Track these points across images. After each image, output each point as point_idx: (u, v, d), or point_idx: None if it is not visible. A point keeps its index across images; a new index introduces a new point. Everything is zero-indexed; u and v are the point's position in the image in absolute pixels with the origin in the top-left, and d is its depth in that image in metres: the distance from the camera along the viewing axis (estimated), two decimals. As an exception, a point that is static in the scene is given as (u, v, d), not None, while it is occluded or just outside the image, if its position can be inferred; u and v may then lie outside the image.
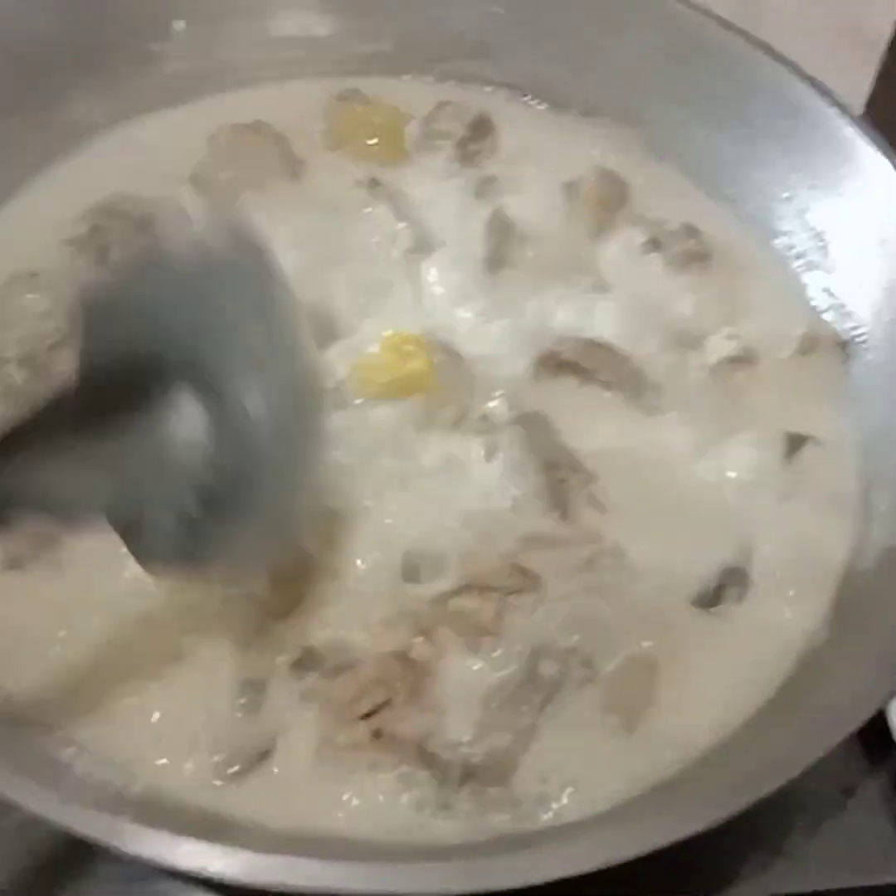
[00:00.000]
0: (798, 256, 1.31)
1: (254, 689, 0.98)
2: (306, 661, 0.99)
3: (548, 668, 0.99)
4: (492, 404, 1.13)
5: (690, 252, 1.29)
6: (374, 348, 1.16)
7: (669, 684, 1.02)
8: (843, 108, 1.25)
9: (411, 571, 1.04)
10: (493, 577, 1.03)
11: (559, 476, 1.10)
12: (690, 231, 1.30)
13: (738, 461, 1.15)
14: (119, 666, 0.99)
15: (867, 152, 1.22)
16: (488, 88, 1.45)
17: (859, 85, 1.63)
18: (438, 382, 1.14)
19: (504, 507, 1.09)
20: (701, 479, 1.14)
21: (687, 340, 1.23)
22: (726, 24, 1.33)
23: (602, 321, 1.23)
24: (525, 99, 1.45)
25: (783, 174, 1.31)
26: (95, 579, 1.03)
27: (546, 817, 0.95)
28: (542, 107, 1.44)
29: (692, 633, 1.05)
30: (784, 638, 1.06)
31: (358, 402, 1.13)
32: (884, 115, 1.44)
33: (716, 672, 1.03)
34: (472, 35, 1.43)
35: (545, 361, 1.19)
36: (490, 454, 1.11)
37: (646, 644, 1.03)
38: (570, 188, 1.34)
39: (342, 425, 1.11)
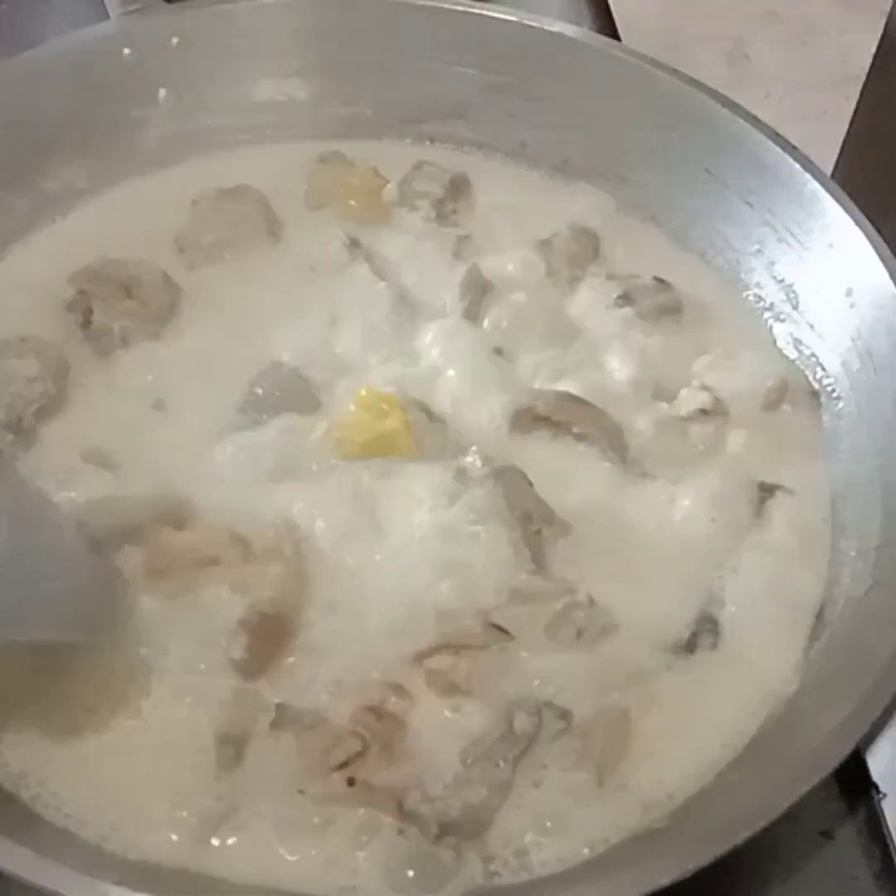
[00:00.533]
0: (768, 308, 1.33)
1: (232, 746, 1.00)
2: (282, 720, 1.00)
3: (522, 723, 1.00)
4: (467, 459, 1.15)
5: (662, 305, 1.31)
6: (348, 407, 1.18)
7: (644, 735, 1.03)
8: (808, 165, 1.28)
9: (388, 628, 1.06)
10: (467, 635, 1.05)
11: (534, 528, 1.12)
12: (662, 285, 1.33)
13: (710, 511, 1.17)
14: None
15: (831, 207, 1.25)
16: (465, 148, 1.49)
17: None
18: (413, 441, 1.16)
19: (480, 560, 1.10)
20: (673, 529, 1.16)
21: (660, 393, 1.26)
22: (701, 87, 1.36)
23: (574, 375, 1.26)
24: (501, 158, 1.48)
25: (752, 228, 1.34)
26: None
27: (522, 871, 0.96)
28: (519, 166, 1.47)
29: (667, 683, 1.06)
30: (758, 684, 1.07)
31: (335, 461, 1.16)
32: (851, 171, 1.47)
33: (690, 721, 1.05)
34: (450, 97, 1.46)
35: (521, 416, 1.21)
36: (466, 509, 1.13)
37: (620, 695, 1.04)
38: (545, 245, 1.37)
39: (322, 483, 1.14)
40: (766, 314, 1.33)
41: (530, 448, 1.20)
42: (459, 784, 0.98)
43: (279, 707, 1.00)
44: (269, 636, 1.03)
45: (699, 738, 1.03)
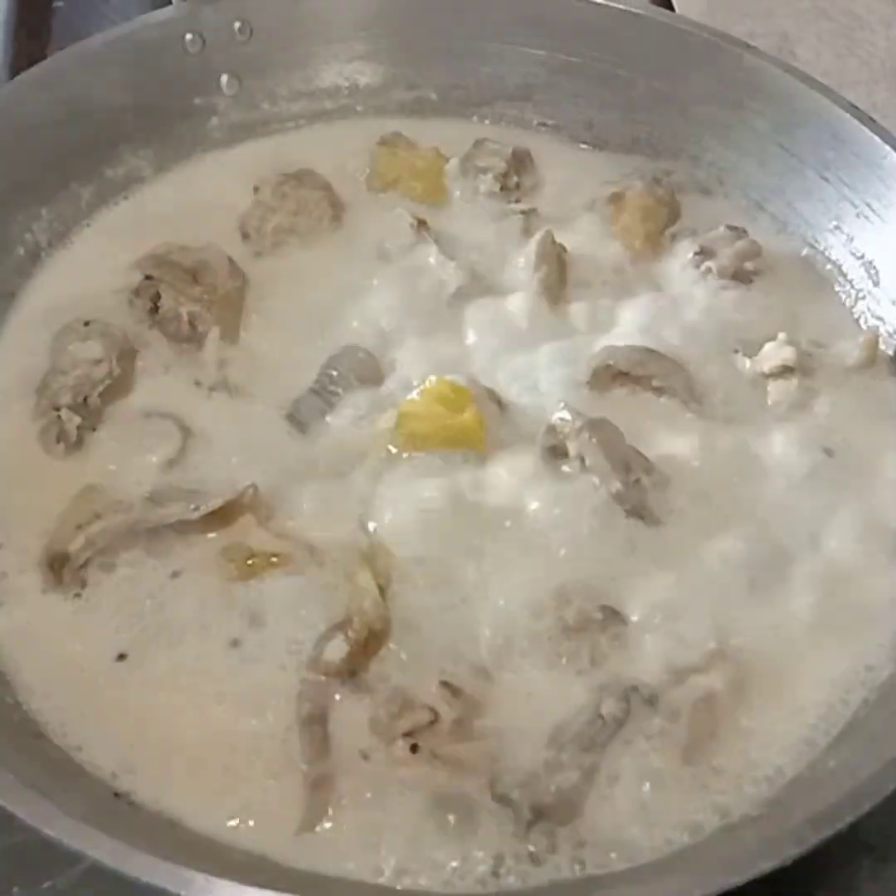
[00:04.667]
0: (848, 283, 1.30)
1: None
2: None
3: (610, 707, 0.98)
4: (557, 416, 1.12)
5: (741, 253, 1.29)
6: (418, 396, 1.16)
7: (735, 715, 1.00)
8: (887, 137, 1.24)
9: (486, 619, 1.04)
10: (585, 618, 1.03)
11: (633, 477, 1.10)
12: (738, 233, 1.31)
13: (793, 465, 1.15)
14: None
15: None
16: (530, 129, 1.46)
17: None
18: (486, 432, 1.14)
19: (589, 527, 1.08)
20: (761, 481, 1.14)
21: (742, 347, 1.23)
22: (774, 61, 1.33)
23: (656, 332, 1.23)
24: (567, 138, 1.45)
25: (830, 203, 1.31)
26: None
27: (613, 860, 0.93)
28: (585, 146, 1.45)
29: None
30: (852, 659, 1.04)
31: (404, 453, 1.14)
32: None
33: (789, 698, 1.02)
34: (516, 78, 1.44)
35: (599, 375, 1.19)
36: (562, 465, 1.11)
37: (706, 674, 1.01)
38: (618, 210, 1.34)
39: (398, 477, 1.12)
40: (845, 288, 1.30)
41: (611, 406, 1.18)
42: (551, 768, 0.95)
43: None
44: (367, 649, 1.01)
45: (795, 719, 1.00)
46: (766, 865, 0.83)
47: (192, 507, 1.07)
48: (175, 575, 1.06)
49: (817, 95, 1.30)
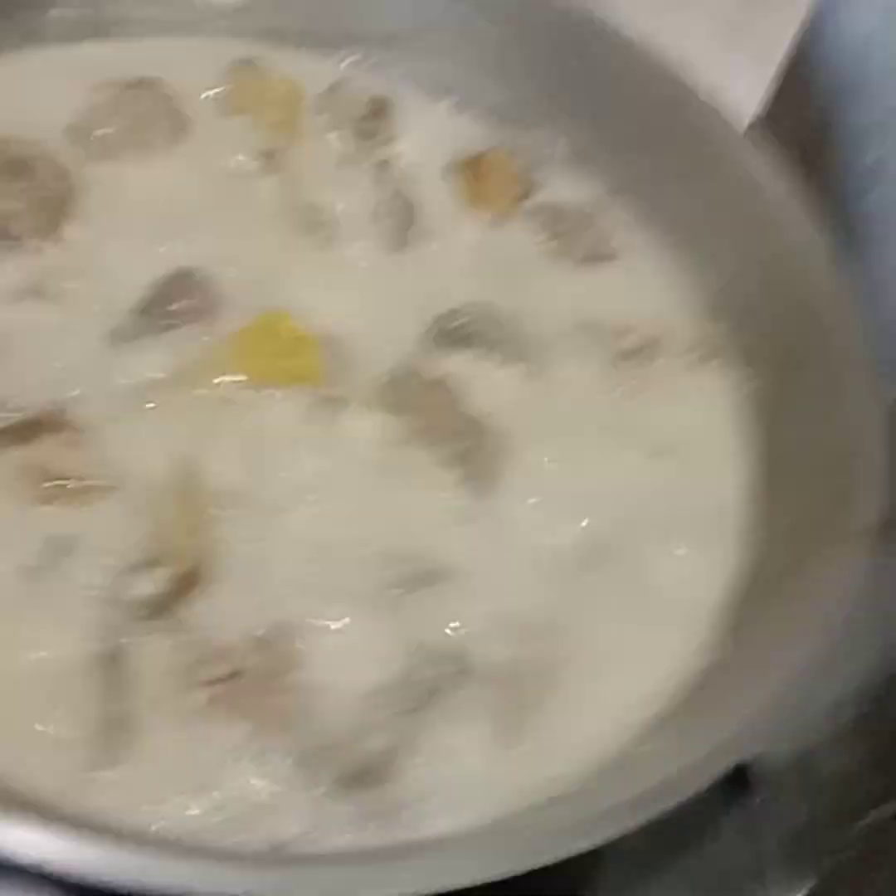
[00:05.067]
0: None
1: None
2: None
3: (423, 671, 0.93)
4: (386, 374, 1.08)
5: (590, 247, 1.27)
6: (251, 329, 1.09)
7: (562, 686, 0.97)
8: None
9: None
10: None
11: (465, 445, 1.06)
12: (591, 233, 1.28)
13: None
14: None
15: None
16: (393, 77, 1.39)
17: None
18: (321, 369, 1.08)
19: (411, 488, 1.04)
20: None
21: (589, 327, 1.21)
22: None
23: (499, 298, 1.19)
24: (428, 93, 1.39)
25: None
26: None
27: (422, 826, 0.88)
28: (446, 103, 1.39)
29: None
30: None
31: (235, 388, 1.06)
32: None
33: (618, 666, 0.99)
34: (387, 23, 1.37)
35: (439, 337, 1.14)
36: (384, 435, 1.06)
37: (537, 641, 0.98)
38: (474, 177, 1.30)
39: (218, 412, 1.05)
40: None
41: (451, 368, 1.13)
42: (361, 731, 0.89)
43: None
44: (177, 589, 0.93)
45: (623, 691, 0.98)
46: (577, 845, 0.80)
47: (-11, 422, 0.96)
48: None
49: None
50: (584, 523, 1.06)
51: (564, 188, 1.33)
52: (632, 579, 1.04)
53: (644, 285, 1.26)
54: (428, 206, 1.26)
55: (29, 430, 0.98)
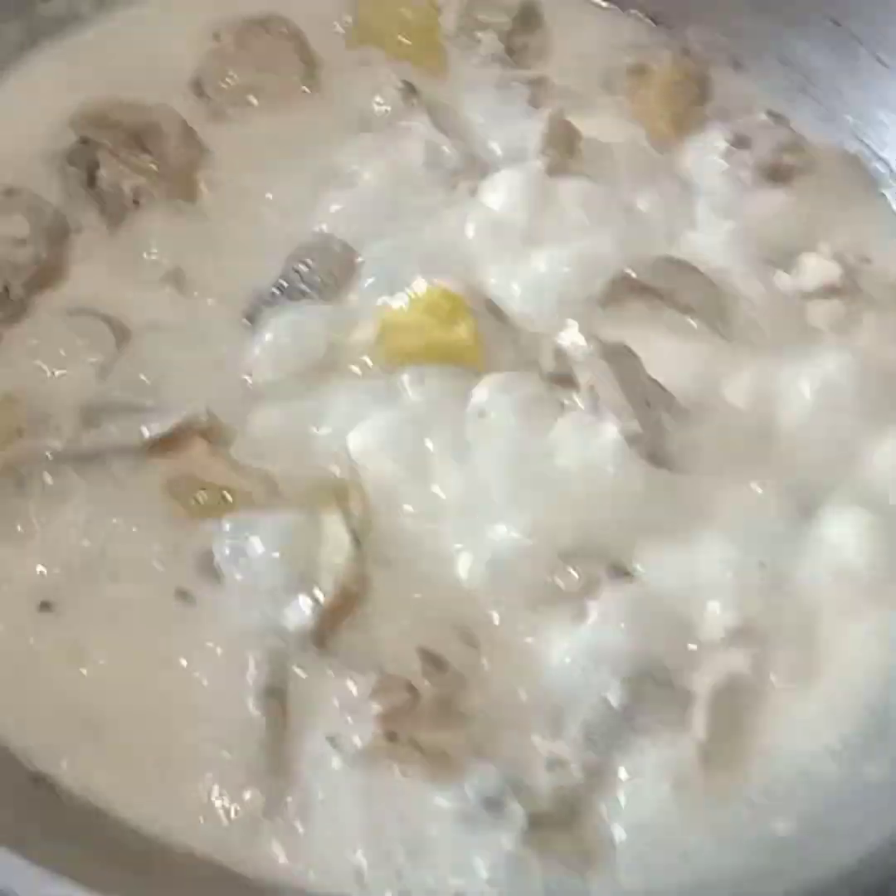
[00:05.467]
0: (901, 184, 1.13)
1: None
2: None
3: (618, 694, 0.84)
4: (566, 337, 0.95)
5: (783, 145, 1.11)
6: (405, 304, 0.98)
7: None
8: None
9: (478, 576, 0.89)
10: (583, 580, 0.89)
11: (653, 416, 0.94)
12: (779, 121, 1.13)
13: (832, 405, 0.99)
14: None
15: None
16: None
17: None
18: (482, 348, 0.97)
19: (599, 470, 0.93)
20: (792, 422, 0.99)
21: (778, 259, 1.06)
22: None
23: (681, 236, 1.06)
24: (581, -4, 1.24)
25: (885, 92, 1.12)
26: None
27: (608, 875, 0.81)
28: (602, 3, 1.24)
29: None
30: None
31: (387, 373, 0.97)
32: None
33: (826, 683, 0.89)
34: None
35: (616, 286, 1.02)
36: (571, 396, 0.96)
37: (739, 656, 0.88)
38: (640, 81, 1.15)
39: (378, 400, 0.96)
40: (898, 192, 1.13)
41: (627, 323, 1.01)
42: (550, 765, 0.82)
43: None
44: (338, 613, 0.86)
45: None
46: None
47: (132, 432, 0.90)
48: (112, 510, 0.90)
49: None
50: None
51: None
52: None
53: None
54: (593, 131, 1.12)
55: (179, 438, 0.92)
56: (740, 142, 1.11)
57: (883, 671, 0.90)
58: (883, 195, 1.14)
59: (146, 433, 0.90)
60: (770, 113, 1.13)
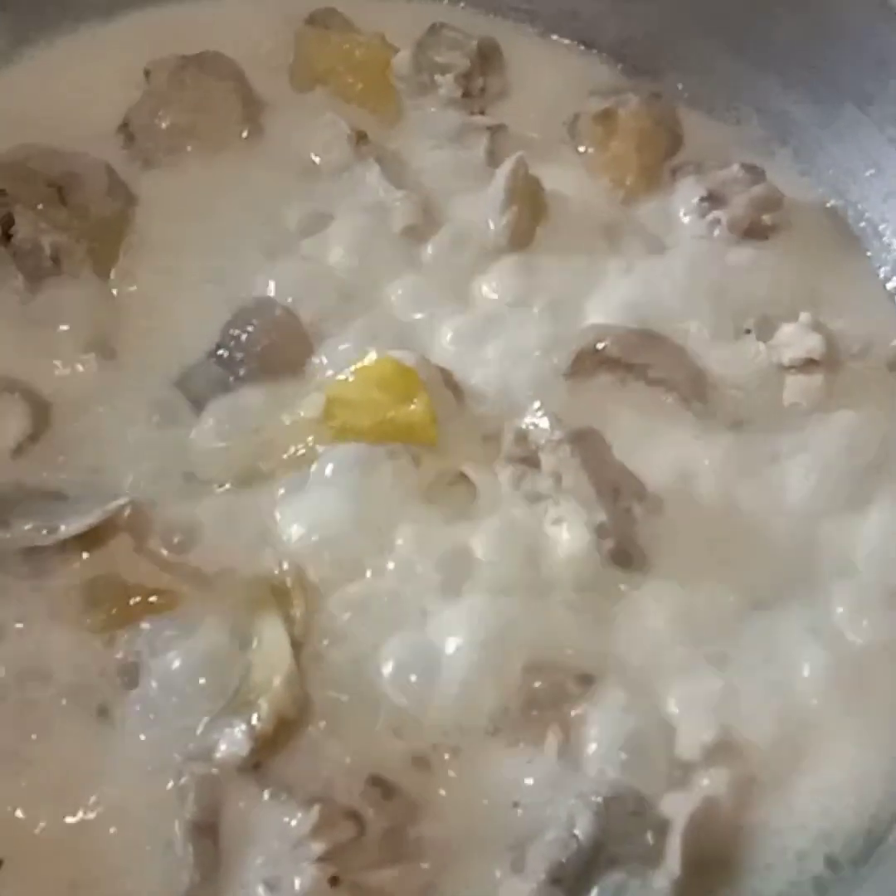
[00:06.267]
0: (883, 246, 1.05)
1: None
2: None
3: (586, 824, 0.76)
4: (528, 421, 0.88)
5: (758, 220, 1.03)
6: (353, 377, 0.90)
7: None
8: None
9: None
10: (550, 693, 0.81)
11: (623, 505, 0.87)
12: (755, 174, 1.05)
13: (819, 491, 0.93)
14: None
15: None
16: (495, 13, 1.16)
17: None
18: (437, 427, 0.88)
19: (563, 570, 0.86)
20: (778, 511, 0.92)
21: (755, 326, 0.99)
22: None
23: (652, 302, 0.98)
24: (543, 30, 1.16)
25: (867, 145, 1.05)
26: None
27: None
28: (565, 41, 1.15)
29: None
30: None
31: (333, 454, 0.88)
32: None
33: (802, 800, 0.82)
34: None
35: (583, 358, 0.94)
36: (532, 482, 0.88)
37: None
38: (607, 128, 1.07)
39: (319, 485, 0.87)
40: (882, 254, 1.05)
41: (594, 399, 0.94)
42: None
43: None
44: (276, 740, 0.77)
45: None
46: None
47: (45, 530, 0.80)
48: (24, 617, 0.81)
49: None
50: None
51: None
52: None
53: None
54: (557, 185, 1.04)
55: (100, 534, 0.82)
56: (714, 198, 1.04)
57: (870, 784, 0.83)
58: (865, 254, 1.06)
59: (63, 529, 0.81)
60: (745, 165, 1.06)
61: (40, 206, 0.95)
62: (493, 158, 1.05)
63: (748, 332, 0.99)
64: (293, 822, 0.75)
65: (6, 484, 0.85)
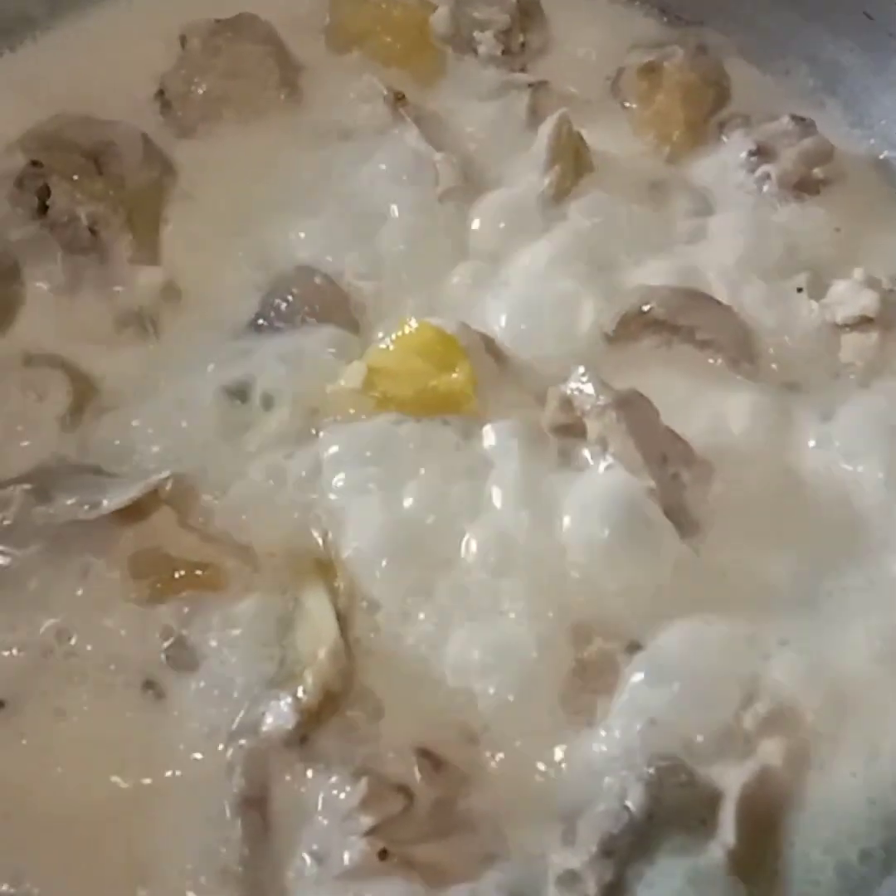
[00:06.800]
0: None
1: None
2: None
3: (638, 796, 0.75)
4: (572, 386, 0.86)
5: (808, 174, 1.01)
6: (393, 345, 0.88)
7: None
8: None
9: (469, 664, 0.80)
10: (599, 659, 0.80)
11: (670, 471, 0.85)
12: (808, 145, 1.01)
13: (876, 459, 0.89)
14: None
15: None
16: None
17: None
18: (478, 393, 0.87)
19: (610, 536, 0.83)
20: (830, 476, 0.89)
21: (807, 284, 0.96)
22: None
23: (699, 262, 0.96)
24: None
25: (923, 92, 1.02)
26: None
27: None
28: (610, -6, 1.13)
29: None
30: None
31: (374, 422, 0.86)
32: None
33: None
34: None
35: (628, 322, 0.92)
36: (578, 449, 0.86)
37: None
38: (652, 83, 1.05)
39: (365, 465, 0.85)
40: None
41: (639, 363, 0.92)
42: (562, 882, 0.73)
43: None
44: (322, 713, 0.76)
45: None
46: None
47: (87, 505, 0.80)
48: (69, 592, 0.81)
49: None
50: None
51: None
52: None
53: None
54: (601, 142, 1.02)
55: (143, 507, 0.82)
56: (763, 152, 1.01)
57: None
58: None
59: (105, 504, 0.80)
60: (794, 118, 1.03)
61: (76, 177, 0.94)
62: (535, 116, 1.03)
63: (800, 290, 0.96)
64: (341, 796, 0.74)
65: (48, 459, 0.85)
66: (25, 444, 0.86)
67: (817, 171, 1.01)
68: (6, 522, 0.80)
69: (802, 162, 1.00)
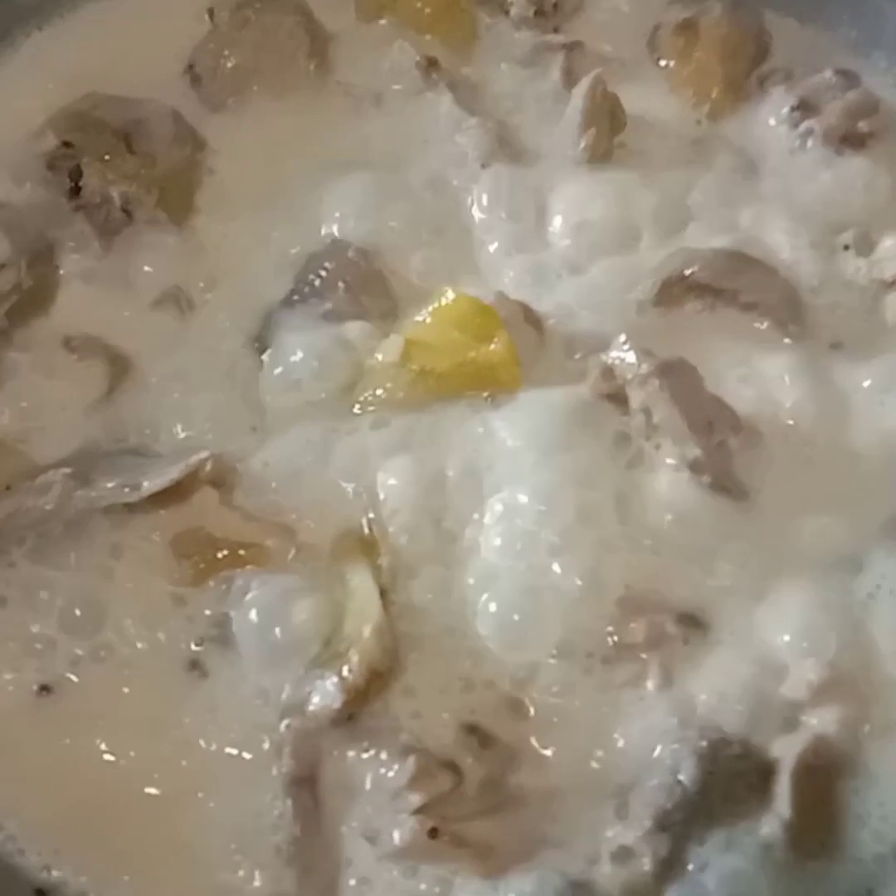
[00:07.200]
0: None
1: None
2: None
3: (690, 770, 0.73)
4: (614, 355, 0.84)
5: (854, 128, 0.98)
6: (430, 317, 0.87)
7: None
8: None
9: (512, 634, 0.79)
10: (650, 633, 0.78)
11: (716, 439, 0.83)
12: (852, 99, 0.99)
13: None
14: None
15: None
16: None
17: None
18: (520, 367, 0.86)
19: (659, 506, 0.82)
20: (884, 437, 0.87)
21: (853, 241, 0.94)
22: None
23: (742, 222, 0.95)
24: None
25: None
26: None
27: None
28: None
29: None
30: None
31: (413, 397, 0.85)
32: None
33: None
34: None
35: (670, 286, 0.90)
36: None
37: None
38: (689, 40, 1.03)
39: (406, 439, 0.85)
40: None
41: (684, 331, 0.90)
42: (616, 857, 0.72)
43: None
44: (368, 691, 0.75)
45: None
46: None
47: (128, 487, 0.80)
48: (112, 574, 0.81)
49: None
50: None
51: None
52: None
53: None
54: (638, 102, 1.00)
55: (183, 488, 0.81)
56: (806, 107, 0.99)
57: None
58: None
59: (146, 485, 0.80)
60: (838, 71, 1.01)
61: (107, 157, 0.93)
62: (570, 78, 1.01)
63: (846, 248, 0.94)
64: (390, 774, 0.74)
65: (87, 442, 0.85)
66: (64, 426, 0.85)
67: (863, 125, 0.98)
68: (48, 507, 0.79)
69: (847, 115, 0.98)
